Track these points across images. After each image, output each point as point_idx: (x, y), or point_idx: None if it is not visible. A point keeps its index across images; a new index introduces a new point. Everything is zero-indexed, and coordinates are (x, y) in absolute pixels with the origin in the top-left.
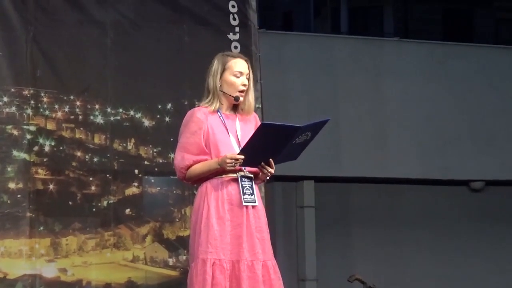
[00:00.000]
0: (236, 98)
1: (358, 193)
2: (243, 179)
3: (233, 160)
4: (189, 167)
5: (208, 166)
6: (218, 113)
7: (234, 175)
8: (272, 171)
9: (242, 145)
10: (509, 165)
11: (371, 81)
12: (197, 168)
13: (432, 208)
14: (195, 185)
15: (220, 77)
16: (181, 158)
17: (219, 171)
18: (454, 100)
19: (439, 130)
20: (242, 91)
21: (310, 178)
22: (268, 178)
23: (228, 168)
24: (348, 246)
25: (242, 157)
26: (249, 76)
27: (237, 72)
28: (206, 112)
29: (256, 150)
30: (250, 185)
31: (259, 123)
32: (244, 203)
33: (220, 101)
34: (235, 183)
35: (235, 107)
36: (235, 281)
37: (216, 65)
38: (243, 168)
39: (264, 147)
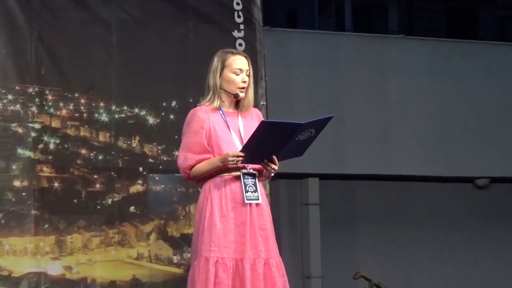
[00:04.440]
0: (236, 95)
1: (362, 191)
2: (246, 176)
3: (235, 158)
4: (192, 166)
5: (210, 164)
6: (220, 111)
7: (237, 172)
8: (276, 167)
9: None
10: None
11: (376, 78)
12: (200, 167)
13: (437, 205)
14: (199, 184)
15: (220, 75)
16: (184, 158)
17: (222, 169)
18: (459, 97)
19: (444, 127)
20: (242, 88)
21: (315, 175)
22: (272, 174)
23: (230, 165)
24: (353, 244)
25: (243, 154)
26: (249, 73)
27: (236, 69)
28: (208, 111)
29: (258, 147)
30: (253, 183)
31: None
32: (246, 201)
33: (221, 99)
34: (238, 181)
35: (238, 104)
36: (238, 279)
37: (216, 62)
38: (246, 165)
39: (266, 144)
